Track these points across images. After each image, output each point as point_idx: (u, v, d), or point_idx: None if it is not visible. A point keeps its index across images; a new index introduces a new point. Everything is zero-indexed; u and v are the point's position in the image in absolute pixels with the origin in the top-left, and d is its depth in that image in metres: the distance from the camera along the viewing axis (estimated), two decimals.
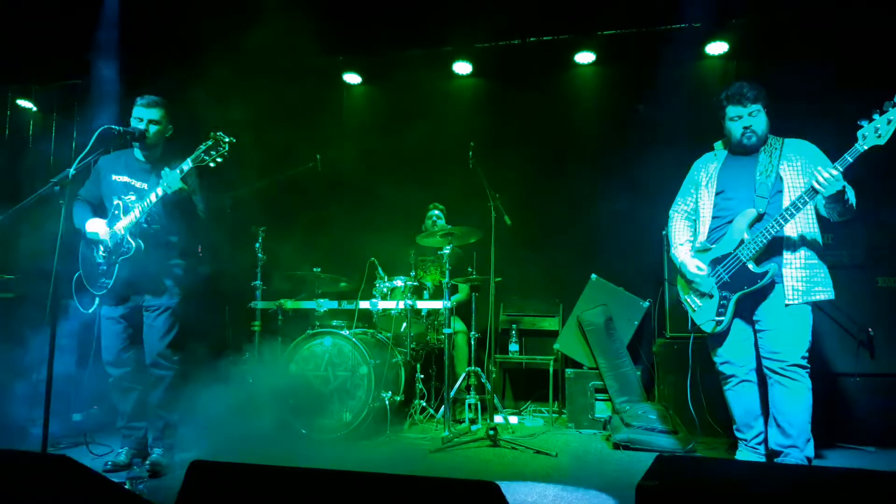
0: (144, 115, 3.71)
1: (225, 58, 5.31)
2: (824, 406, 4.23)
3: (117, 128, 3.43)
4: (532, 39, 5.90)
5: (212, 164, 3.53)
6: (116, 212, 3.69)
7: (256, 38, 5.31)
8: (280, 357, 4.71)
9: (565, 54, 6.09)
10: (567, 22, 5.74)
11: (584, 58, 6.10)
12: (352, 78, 6.73)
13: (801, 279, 3.25)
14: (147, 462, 3.56)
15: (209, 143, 3.51)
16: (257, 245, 4.94)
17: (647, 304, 5.18)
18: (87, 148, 3.19)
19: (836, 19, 4.97)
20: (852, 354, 4.26)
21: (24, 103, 6.30)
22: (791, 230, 3.28)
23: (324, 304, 5.00)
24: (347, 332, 4.59)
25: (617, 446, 4.20)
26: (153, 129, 3.72)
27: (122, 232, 3.61)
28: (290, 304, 5.11)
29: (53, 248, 3.05)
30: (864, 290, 4.32)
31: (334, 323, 4.86)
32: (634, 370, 4.87)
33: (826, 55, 4.98)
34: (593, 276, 5.40)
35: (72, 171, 3.11)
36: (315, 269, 5.16)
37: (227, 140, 3.50)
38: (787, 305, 3.25)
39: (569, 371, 5.05)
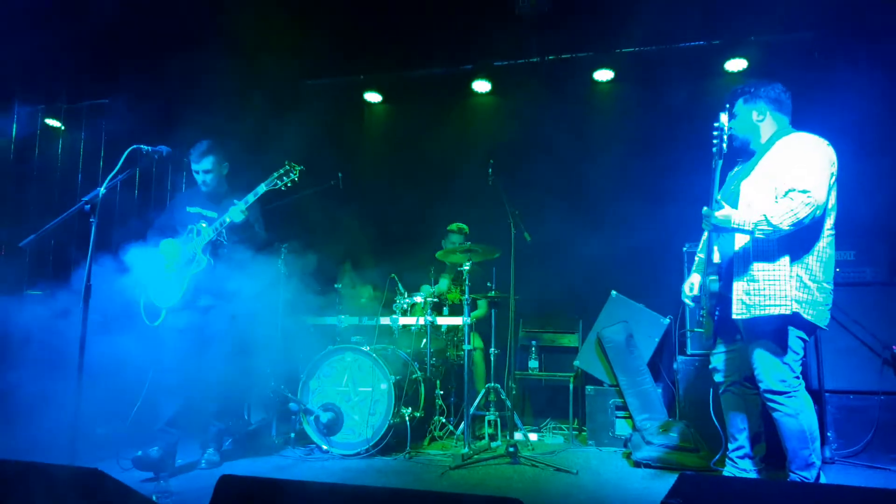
0: (199, 167, 4.22)
1: (248, 76, 5.40)
2: (847, 424, 4.20)
3: (146, 147, 3.51)
4: (551, 57, 5.95)
5: (283, 189, 4.08)
6: (190, 234, 4.16)
7: (278, 58, 5.40)
8: (302, 373, 4.75)
9: (584, 72, 6.13)
10: (586, 40, 5.78)
11: (603, 75, 6.14)
12: (372, 97, 6.82)
13: (746, 292, 3.12)
14: (203, 459, 4.09)
15: (281, 171, 4.06)
16: (279, 261, 5.00)
17: (667, 320, 5.16)
18: (117, 167, 3.26)
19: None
20: (876, 372, 4.21)
21: (52, 122, 6.44)
22: (741, 242, 3.19)
23: (345, 320, 5.05)
24: (368, 347, 4.63)
25: (638, 464, 4.18)
26: (209, 177, 4.25)
27: (196, 250, 4.09)
28: (311, 319, 5.15)
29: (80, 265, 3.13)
30: (889, 307, 4.27)
31: (354, 339, 4.89)
32: (655, 387, 4.85)
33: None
34: (613, 292, 5.39)
35: (102, 190, 3.17)
36: (336, 286, 5.21)
37: (298, 168, 4.06)
38: (734, 319, 3.17)
39: (589, 388, 5.03)
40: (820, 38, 5.17)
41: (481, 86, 6.45)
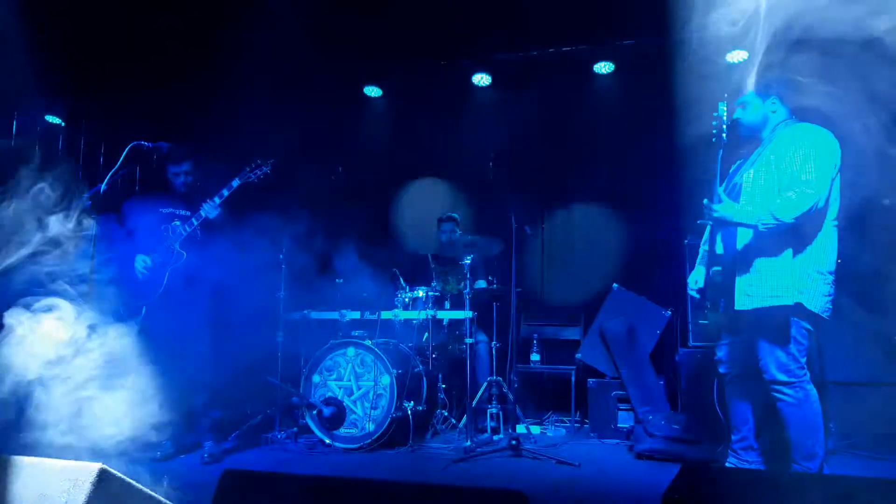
0: (179, 170, 4.35)
1: (244, 68, 5.38)
2: (850, 415, 4.20)
3: (147, 143, 3.52)
4: (551, 51, 5.92)
5: (256, 181, 4.19)
6: (165, 233, 4.22)
7: (277, 50, 5.37)
8: (304, 367, 4.76)
9: (584, 65, 6.11)
10: (585, 33, 5.75)
11: (604, 68, 6.12)
12: (372, 91, 6.80)
13: (750, 283, 3.14)
14: (205, 452, 4.11)
15: (252, 164, 4.18)
16: (280, 256, 4.99)
17: (669, 313, 5.16)
18: (118, 163, 3.27)
19: None
20: (879, 363, 4.21)
21: (52, 119, 6.43)
22: (744, 234, 3.19)
23: (347, 315, 5.06)
24: (370, 342, 4.63)
25: (640, 456, 4.18)
26: (190, 178, 4.39)
27: (174, 246, 4.17)
28: (313, 314, 5.16)
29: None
30: (892, 298, 4.26)
31: (356, 333, 4.90)
32: (657, 379, 4.85)
33: None
34: (615, 285, 5.39)
35: (103, 186, 3.20)
36: (338, 280, 5.21)
37: (269, 161, 4.19)
38: (738, 310, 3.18)
39: (591, 381, 5.03)
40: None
41: (481, 79, 6.43)
